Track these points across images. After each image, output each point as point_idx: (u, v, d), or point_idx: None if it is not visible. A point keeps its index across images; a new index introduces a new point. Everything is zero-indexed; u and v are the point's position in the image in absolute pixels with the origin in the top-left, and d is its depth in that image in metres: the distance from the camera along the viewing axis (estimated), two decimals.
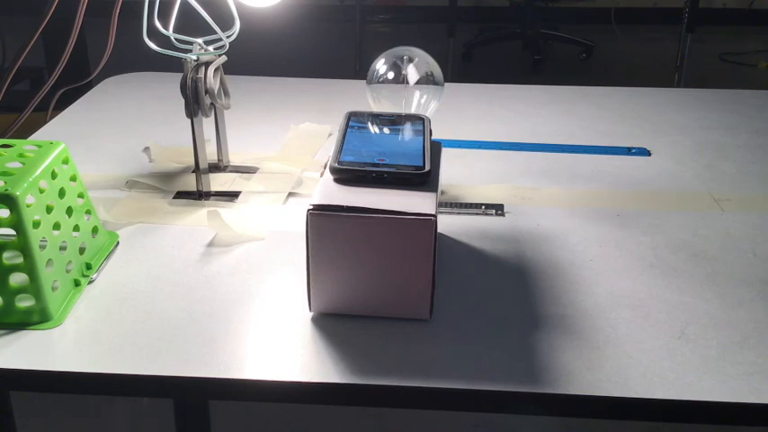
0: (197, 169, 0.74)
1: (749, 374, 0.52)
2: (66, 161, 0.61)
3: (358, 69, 3.39)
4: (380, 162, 0.59)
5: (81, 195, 0.63)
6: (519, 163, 0.85)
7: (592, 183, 0.80)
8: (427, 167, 0.58)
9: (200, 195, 0.75)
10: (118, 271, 0.63)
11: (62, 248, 0.59)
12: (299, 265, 0.61)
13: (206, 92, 0.72)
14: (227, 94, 0.78)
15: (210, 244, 0.67)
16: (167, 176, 0.79)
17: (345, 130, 0.65)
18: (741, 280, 0.63)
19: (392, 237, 0.54)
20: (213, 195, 0.75)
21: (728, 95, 1.07)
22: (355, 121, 0.67)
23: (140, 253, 0.66)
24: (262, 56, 3.46)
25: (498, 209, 0.74)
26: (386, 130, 0.66)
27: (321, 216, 0.54)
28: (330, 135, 0.90)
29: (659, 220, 0.73)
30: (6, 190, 0.54)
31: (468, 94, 1.06)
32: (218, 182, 0.78)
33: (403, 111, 0.73)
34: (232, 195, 0.76)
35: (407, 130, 0.66)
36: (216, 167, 0.80)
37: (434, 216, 0.54)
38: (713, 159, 0.86)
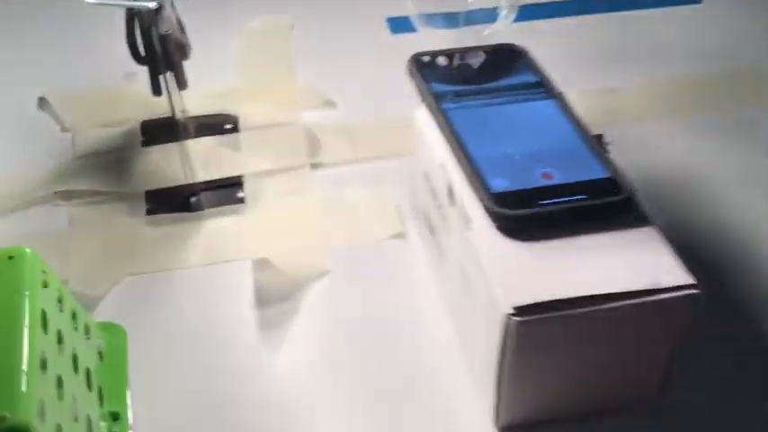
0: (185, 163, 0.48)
1: None
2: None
3: None
4: (546, 178, 0.38)
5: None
6: None
7: None
8: (621, 184, 0.38)
9: (192, 206, 0.49)
10: (154, 403, 0.40)
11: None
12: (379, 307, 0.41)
13: (176, 46, 0.45)
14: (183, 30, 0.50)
15: (249, 301, 0.44)
16: (109, 164, 0.52)
17: (443, 114, 0.42)
18: None
19: (628, 324, 0.36)
20: (203, 190, 0.50)
21: None
22: (437, 81, 0.44)
23: (161, 354, 0.42)
24: None
25: None
26: (498, 95, 0.43)
27: (529, 323, 0.34)
28: (293, 27, 0.63)
29: None
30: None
31: None
32: (188, 156, 0.52)
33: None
34: (228, 186, 0.51)
35: (520, 87, 0.44)
36: (172, 127, 0.53)
37: (695, 285, 0.35)
38: None
